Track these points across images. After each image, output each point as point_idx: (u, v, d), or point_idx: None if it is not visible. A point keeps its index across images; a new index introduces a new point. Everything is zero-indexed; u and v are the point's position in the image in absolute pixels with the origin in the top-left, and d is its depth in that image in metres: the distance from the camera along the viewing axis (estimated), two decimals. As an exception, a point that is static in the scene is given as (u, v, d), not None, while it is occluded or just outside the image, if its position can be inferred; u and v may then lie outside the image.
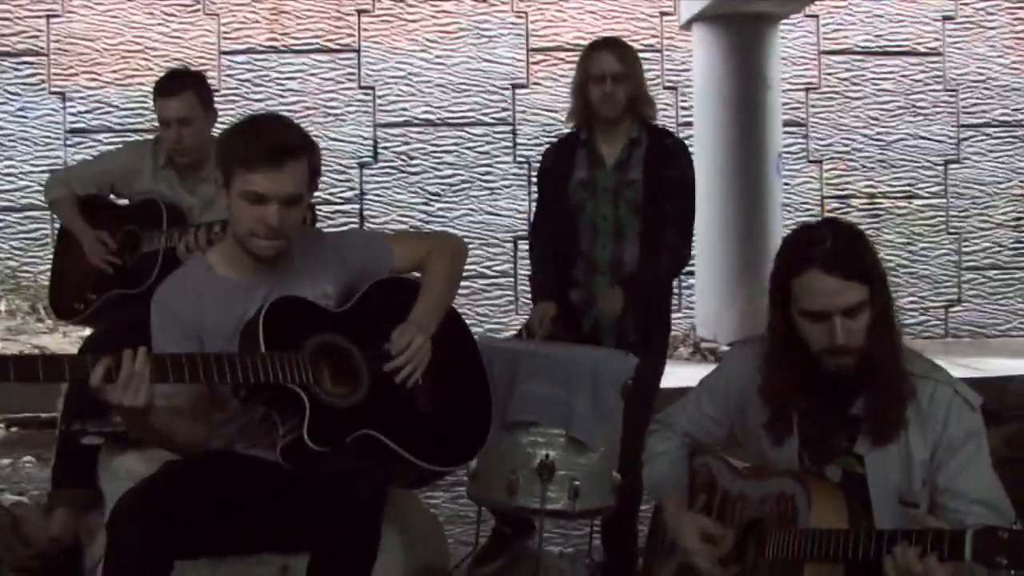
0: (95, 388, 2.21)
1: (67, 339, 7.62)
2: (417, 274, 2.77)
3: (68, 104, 8.47)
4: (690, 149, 4.02)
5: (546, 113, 8.62)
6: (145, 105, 8.31)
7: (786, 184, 8.46)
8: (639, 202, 3.74)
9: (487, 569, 3.60)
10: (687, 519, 2.57)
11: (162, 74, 3.80)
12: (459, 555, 3.68)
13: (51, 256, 3.94)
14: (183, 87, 3.57)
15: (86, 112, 8.49)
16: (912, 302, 8.62)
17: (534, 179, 9.19)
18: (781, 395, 2.46)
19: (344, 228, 2.46)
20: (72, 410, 3.26)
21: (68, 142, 8.42)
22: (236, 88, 8.50)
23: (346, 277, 2.65)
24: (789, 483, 2.43)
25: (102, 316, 3.67)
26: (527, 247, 4.07)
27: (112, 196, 3.82)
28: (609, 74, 3.70)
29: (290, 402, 2.39)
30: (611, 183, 3.78)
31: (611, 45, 3.82)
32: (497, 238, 8.63)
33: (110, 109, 8.49)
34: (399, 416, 2.53)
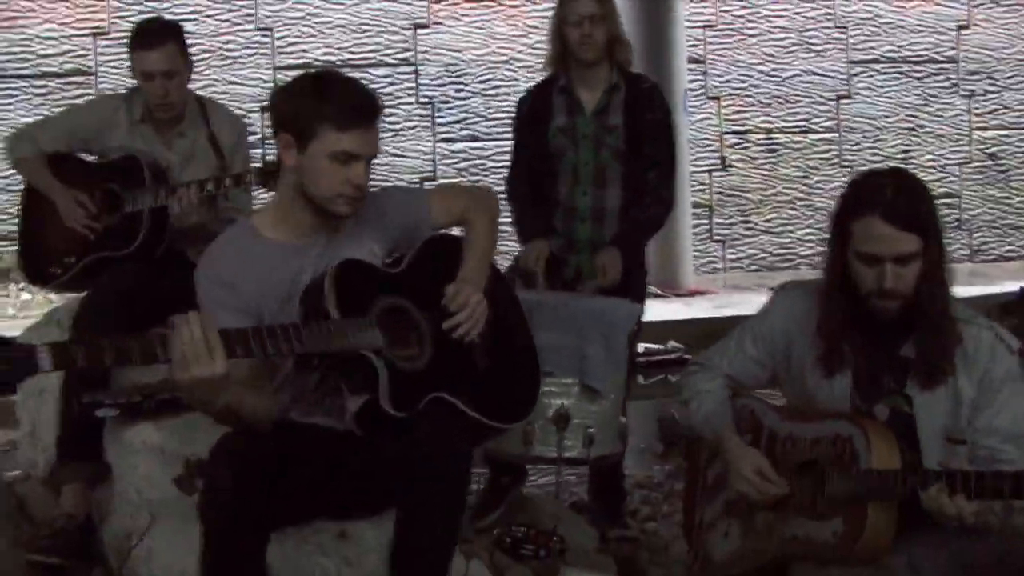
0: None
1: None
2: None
3: (-59, 47, 7.93)
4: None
5: (449, 53, 8.50)
6: (29, 50, 7.85)
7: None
8: (620, 148, 3.80)
9: (487, 521, 3.60)
10: (750, 453, 2.63)
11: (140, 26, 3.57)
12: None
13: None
14: (164, 38, 3.39)
15: (-38, 55, 7.97)
16: (809, 233, 8.87)
17: (438, 120, 9.19)
18: (835, 329, 2.55)
19: (383, 186, 2.39)
20: (78, 381, 3.10)
21: (-57, 87, 7.90)
22: (128, 30, 8.08)
23: (390, 235, 2.62)
24: (844, 425, 2.52)
25: (83, 280, 3.50)
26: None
27: (81, 154, 3.62)
28: (586, 16, 3.72)
29: (362, 368, 2.35)
30: (591, 130, 3.81)
31: None
32: (404, 180, 8.50)
33: (-11, 53, 7.99)
34: (462, 376, 2.53)
